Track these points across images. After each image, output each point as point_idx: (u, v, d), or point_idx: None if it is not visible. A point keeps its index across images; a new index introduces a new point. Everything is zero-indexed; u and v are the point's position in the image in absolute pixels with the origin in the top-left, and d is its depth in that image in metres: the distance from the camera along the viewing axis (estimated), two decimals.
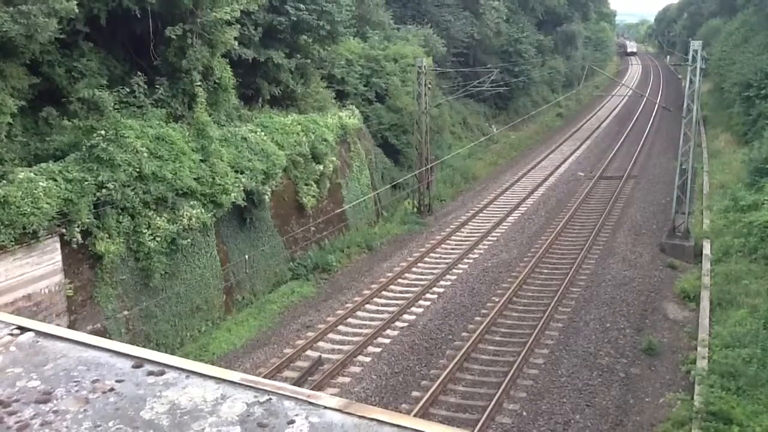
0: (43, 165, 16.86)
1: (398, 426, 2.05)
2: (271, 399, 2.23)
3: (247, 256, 23.31)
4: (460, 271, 26.62)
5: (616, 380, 18.19)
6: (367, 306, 23.35)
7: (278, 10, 26.68)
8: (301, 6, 27.06)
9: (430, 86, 35.40)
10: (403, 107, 36.92)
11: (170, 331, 20.04)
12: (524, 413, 16.58)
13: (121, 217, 17.97)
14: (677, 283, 24.68)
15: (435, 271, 26.37)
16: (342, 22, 30.26)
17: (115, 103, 18.99)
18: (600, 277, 25.44)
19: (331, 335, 21.14)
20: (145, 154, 18.61)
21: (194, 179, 20.17)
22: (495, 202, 37.53)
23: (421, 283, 25.17)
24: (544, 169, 46.13)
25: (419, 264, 27.53)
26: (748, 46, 53.52)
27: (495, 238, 30.92)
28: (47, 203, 15.82)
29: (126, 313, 18.53)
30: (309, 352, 19.91)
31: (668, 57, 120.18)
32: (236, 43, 22.63)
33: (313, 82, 30.65)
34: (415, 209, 35.29)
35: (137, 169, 18.24)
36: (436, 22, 48.67)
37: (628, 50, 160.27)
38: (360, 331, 21.38)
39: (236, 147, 22.75)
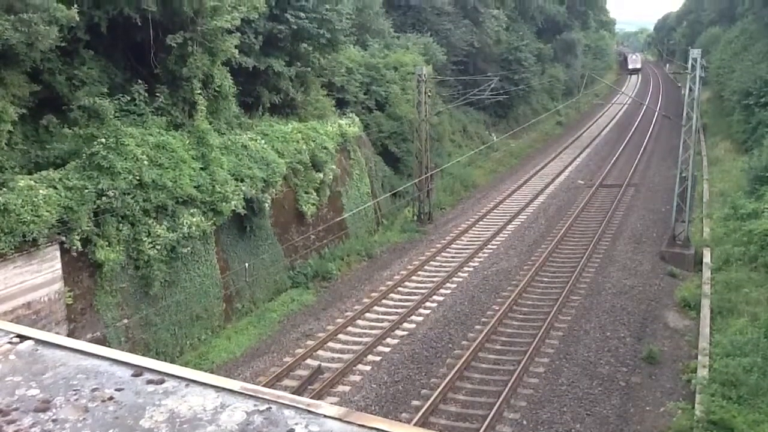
0: (44, 173, 16.87)
1: None
2: (270, 408, 2.23)
3: (246, 265, 23.29)
4: (460, 280, 26.59)
5: (616, 389, 18.14)
6: (367, 314, 23.31)
7: (278, 19, 26.75)
8: (302, 14, 27.15)
9: (430, 94, 35.50)
10: (403, 115, 36.99)
11: (170, 340, 20.00)
12: (524, 422, 16.52)
13: (121, 225, 17.96)
14: (677, 292, 24.66)
15: (435, 280, 26.35)
16: (342, 31, 30.35)
17: (115, 111, 19.02)
18: (600, 286, 25.41)
19: (330, 344, 21.10)
20: (146, 162, 18.63)
21: (194, 187, 20.19)
22: (495, 211, 37.53)
23: (421, 291, 25.14)
24: (544, 177, 46.17)
25: (419, 272, 27.51)
26: (747, 54, 53.67)
27: (495, 247, 30.91)
28: (47, 211, 15.82)
29: (125, 321, 18.50)
30: (309, 361, 19.86)
31: (667, 65, 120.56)
32: (236, 51, 22.68)
33: (313, 90, 30.73)
34: (415, 217, 35.29)
35: (137, 177, 18.25)
36: (436, 31, 48.83)
37: (630, 66, 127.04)
38: (360, 339, 21.33)
39: (236, 155, 22.78)
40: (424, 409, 16.61)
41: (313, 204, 26.84)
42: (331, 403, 2.32)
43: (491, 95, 44.32)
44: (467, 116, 52.96)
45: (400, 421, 15.42)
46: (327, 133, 28.60)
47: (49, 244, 16.15)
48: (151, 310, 19.23)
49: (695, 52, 28.58)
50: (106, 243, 17.49)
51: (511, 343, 20.82)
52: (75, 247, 16.57)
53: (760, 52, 50.71)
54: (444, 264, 28.63)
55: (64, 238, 16.40)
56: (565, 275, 26.38)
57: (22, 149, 17.61)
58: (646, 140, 58.02)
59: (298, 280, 25.88)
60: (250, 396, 2.30)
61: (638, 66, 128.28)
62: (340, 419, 2.13)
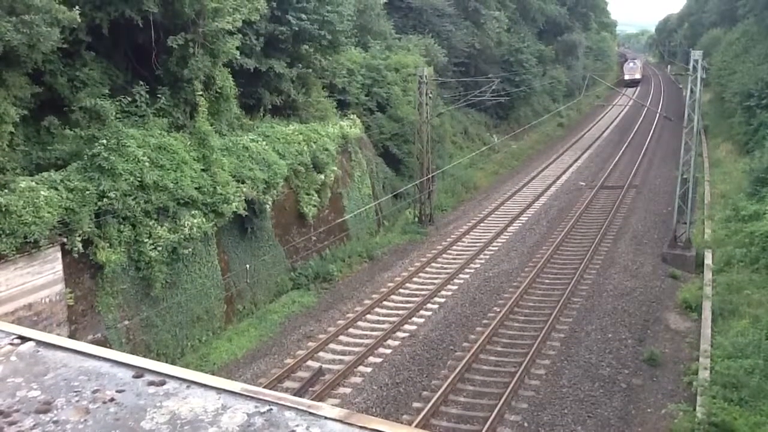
0: (45, 174, 16.89)
1: None
2: (272, 409, 2.22)
3: (248, 266, 23.29)
4: (462, 281, 26.57)
5: (617, 391, 18.12)
6: (368, 316, 23.31)
7: (280, 20, 26.77)
8: (303, 16, 27.16)
9: (431, 96, 35.47)
10: (404, 117, 36.98)
11: (171, 341, 20.00)
12: (526, 424, 16.51)
13: (122, 226, 17.97)
14: (679, 293, 24.63)
15: (436, 281, 26.32)
16: (343, 32, 30.35)
17: (116, 113, 19.05)
18: (601, 288, 25.38)
19: (332, 345, 21.09)
20: (147, 164, 18.64)
21: (195, 189, 20.19)
22: (496, 212, 37.51)
23: (423, 293, 25.11)
24: (546, 178, 46.15)
25: (420, 274, 27.49)
26: (748, 55, 53.70)
27: (496, 248, 30.89)
28: (48, 212, 15.83)
29: (127, 322, 18.50)
30: (310, 363, 19.85)
31: (669, 67, 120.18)
32: (238, 52, 22.71)
33: (315, 91, 30.73)
34: (417, 219, 35.26)
35: (139, 179, 18.26)
36: (437, 32, 48.82)
37: (626, 76, 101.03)
38: (361, 341, 21.32)
39: (237, 156, 22.79)
40: (425, 411, 16.60)
41: (314, 205, 26.85)
42: (332, 405, 2.32)
43: (492, 97, 44.27)
44: (468, 118, 52.95)
45: (402, 423, 15.42)
46: (328, 134, 28.61)
47: (51, 245, 16.15)
48: (152, 312, 19.23)
49: (696, 54, 28.58)
50: (108, 244, 17.50)
51: (512, 344, 20.81)
52: (76, 249, 16.59)
53: (762, 54, 50.73)
54: (445, 266, 28.61)
55: (65, 240, 16.41)
56: (566, 277, 26.36)
57: (24, 150, 17.63)
58: (647, 142, 57.97)
59: (299, 282, 25.88)
60: (251, 397, 2.30)
61: (637, 76, 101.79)
62: (341, 421, 2.13)
